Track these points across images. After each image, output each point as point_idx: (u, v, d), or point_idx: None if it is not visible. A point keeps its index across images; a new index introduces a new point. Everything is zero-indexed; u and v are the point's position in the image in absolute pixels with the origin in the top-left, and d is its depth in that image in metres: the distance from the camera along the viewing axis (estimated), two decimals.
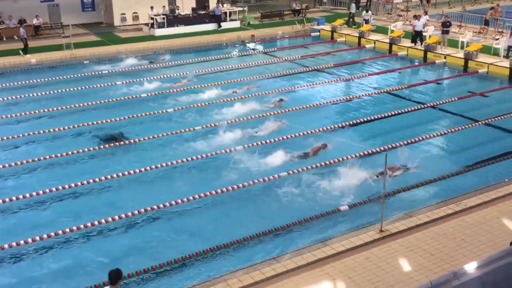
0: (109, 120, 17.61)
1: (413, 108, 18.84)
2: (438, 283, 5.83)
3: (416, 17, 27.37)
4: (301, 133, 16.35)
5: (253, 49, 28.88)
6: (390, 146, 15.44)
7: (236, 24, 33.81)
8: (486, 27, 29.23)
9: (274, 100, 19.62)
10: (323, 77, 23.26)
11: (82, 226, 11.53)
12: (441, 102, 19.50)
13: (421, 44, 26.80)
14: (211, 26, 32.79)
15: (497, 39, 26.27)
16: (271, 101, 19.55)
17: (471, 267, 4.70)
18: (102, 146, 15.71)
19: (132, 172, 13.89)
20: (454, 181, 13.64)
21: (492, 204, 11.96)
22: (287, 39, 31.53)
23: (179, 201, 12.46)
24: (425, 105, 19.26)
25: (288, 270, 9.70)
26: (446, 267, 9.57)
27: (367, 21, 30.83)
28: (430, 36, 27.41)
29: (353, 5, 32.16)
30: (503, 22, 29.89)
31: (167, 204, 12.35)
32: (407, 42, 27.54)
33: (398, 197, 12.88)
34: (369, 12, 31.75)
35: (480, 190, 12.58)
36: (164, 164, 14.29)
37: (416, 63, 26.03)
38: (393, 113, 18.33)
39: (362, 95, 20.47)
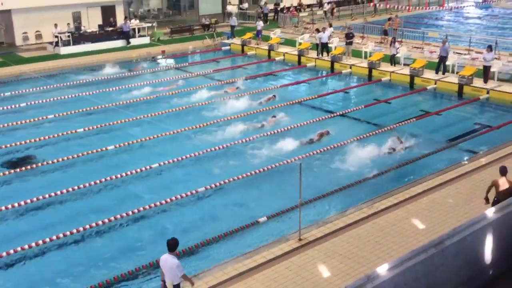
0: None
1: (324, 117, 19.44)
2: (353, 287, 5.98)
3: (319, 30, 28.40)
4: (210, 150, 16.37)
5: (165, 65, 28.56)
6: (307, 154, 15.80)
7: (146, 40, 33.35)
8: (386, 37, 30.83)
9: (267, 96, 21.38)
10: (236, 90, 23.40)
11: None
12: (349, 110, 20.27)
13: (328, 55, 27.80)
14: (119, 43, 32.13)
15: (397, 48, 27.72)
16: (263, 98, 21.19)
17: (383, 269, 4.89)
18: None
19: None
20: (366, 186, 14.20)
21: (401, 206, 12.55)
22: (198, 54, 31.52)
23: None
24: (335, 114, 19.93)
25: (210, 287, 9.60)
26: (363, 270, 9.89)
27: (259, 33, 31.51)
28: (335, 47, 28.51)
29: (260, 22, 32.79)
30: (401, 32, 31.72)
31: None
32: (314, 54, 28.45)
33: (314, 205, 13.21)
34: (261, 22, 32.49)
35: (390, 193, 13.17)
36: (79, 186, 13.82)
37: (324, 74, 26.94)
38: (305, 122, 18.80)
39: (274, 107, 20.80)
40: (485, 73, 22.24)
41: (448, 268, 5.66)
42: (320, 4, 41.40)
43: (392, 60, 25.53)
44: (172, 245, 8.40)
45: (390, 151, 16.30)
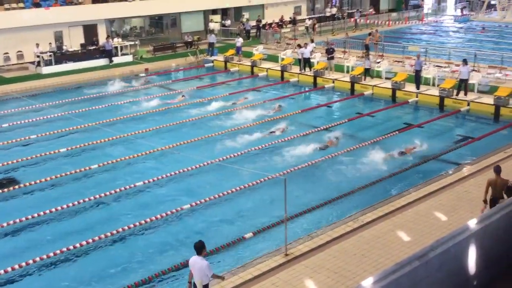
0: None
1: (307, 132, 19.55)
2: None
3: (300, 45, 28.68)
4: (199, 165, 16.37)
5: (148, 83, 28.53)
6: (290, 170, 15.86)
7: (129, 58, 33.37)
8: (367, 51, 31.20)
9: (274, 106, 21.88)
10: (220, 106, 23.48)
11: None
12: (332, 125, 20.41)
13: (310, 70, 28.05)
14: (102, 62, 32.09)
15: (378, 62, 28.15)
16: (271, 107, 21.67)
17: (368, 283, 4.92)
18: None
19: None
20: (351, 199, 14.28)
21: (386, 218, 12.63)
22: (181, 71, 31.57)
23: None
24: (319, 128, 20.05)
25: None
26: (349, 284, 9.91)
27: (239, 49, 31.71)
28: (317, 62, 28.78)
29: (240, 38, 33.01)
30: (382, 46, 32.15)
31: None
32: (297, 69, 28.68)
33: (300, 220, 13.23)
34: (240, 39, 32.75)
35: (375, 206, 13.25)
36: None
37: (307, 89, 27.14)
38: (291, 137, 18.91)
39: (260, 122, 20.87)
40: (460, 86, 22.53)
41: (432, 280, 5.71)
42: (292, 21, 41.73)
43: (367, 73, 25.78)
44: (198, 248, 8.84)
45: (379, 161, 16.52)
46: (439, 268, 5.76)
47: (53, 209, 13.79)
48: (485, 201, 11.57)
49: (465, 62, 22.60)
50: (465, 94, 22.52)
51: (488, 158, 16.05)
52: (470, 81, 23.45)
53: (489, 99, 21.80)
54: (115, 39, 34.06)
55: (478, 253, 6.35)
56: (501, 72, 25.45)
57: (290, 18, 42.61)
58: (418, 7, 54.01)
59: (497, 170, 11.39)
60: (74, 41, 32.75)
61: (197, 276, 8.87)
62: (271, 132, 19.76)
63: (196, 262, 8.85)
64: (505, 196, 11.05)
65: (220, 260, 11.59)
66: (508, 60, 27.51)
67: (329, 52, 27.43)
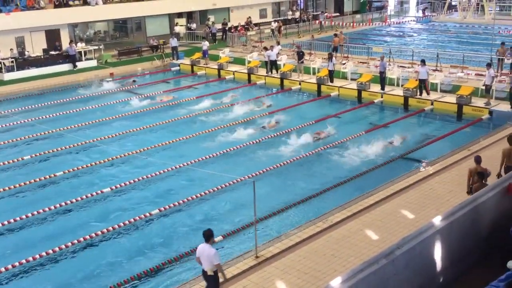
0: None
1: (274, 135, 19.61)
2: None
3: (267, 48, 28.81)
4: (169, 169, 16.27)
5: (113, 87, 28.17)
6: (256, 173, 15.88)
7: (93, 63, 32.89)
8: (331, 53, 31.49)
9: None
10: (187, 110, 23.37)
11: None
12: (300, 126, 20.51)
13: (277, 72, 28.17)
14: (66, 67, 31.55)
15: (343, 64, 28.47)
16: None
17: (336, 283, 4.95)
18: None
19: None
20: (318, 200, 14.38)
21: (355, 218, 12.75)
22: (148, 75, 31.27)
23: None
24: (288, 130, 20.12)
25: None
26: (319, 284, 9.96)
27: (205, 53, 31.67)
28: (284, 64, 28.93)
29: (206, 42, 32.93)
30: (347, 48, 32.53)
31: None
32: (264, 71, 28.77)
33: (269, 222, 13.25)
34: (206, 42, 32.70)
35: (343, 205, 13.36)
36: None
37: (275, 91, 27.22)
38: (257, 140, 18.94)
39: (227, 125, 20.85)
40: (420, 86, 22.95)
41: (400, 277, 5.78)
42: (247, 24, 41.64)
43: (331, 76, 26.01)
44: (207, 235, 9.07)
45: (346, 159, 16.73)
46: (406, 265, 5.85)
47: (18, 218, 13.50)
48: (468, 192, 12.10)
49: (423, 62, 23.07)
50: (428, 94, 22.95)
51: (452, 156, 16.39)
52: (433, 81, 23.95)
53: (451, 98, 22.28)
54: (79, 44, 33.53)
55: (445, 250, 6.47)
56: (463, 71, 26.08)
57: (246, 21, 42.36)
58: (382, 8, 54.89)
59: (478, 160, 12.21)
60: (36, 47, 32.06)
61: (205, 263, 9.09)
62: (262, 127, 20.45)
63: (205, 249, 9.07)
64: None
65: (189, 265, 11.50)
66: (470, 60, 28.22)
67: (299, 56, 27.58)
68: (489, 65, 21.46)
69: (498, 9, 51.67)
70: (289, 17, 45.70)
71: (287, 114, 22.54)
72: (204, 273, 9.30)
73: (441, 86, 23.94)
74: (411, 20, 51.02)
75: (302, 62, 27.70)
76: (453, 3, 53.56)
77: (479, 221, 7.64)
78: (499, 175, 12.84)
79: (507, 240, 7.81)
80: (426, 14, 52.89)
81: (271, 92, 26.87)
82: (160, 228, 13.30)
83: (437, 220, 6.57)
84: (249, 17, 42.03)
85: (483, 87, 21.79)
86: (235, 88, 27.33)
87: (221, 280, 9.50)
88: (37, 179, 15.88)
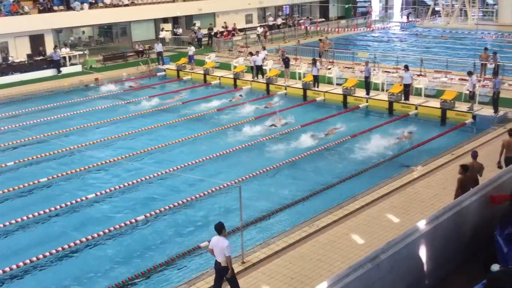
0: None
1: (261, 140, 19.62)
2: None
3: (252, 53, 28.86)
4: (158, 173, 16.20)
5: (98, 93, 28.01)
6: (244, 177, 15.88)
7: (78, 68, 32.69)
8: (321, 58, 31.68)
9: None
10: (172, 115, 23.32)
11: None
12: (287, 132, 20.55)
13: (263, 77, 28.23)
14: (50, 72, 31.35)
15: (329, 69, 28.61)
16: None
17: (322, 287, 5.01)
18: None
19: None
20: (305, 205, 14.41)
21: (341, 222, 12.81)
22: (133, 81, 31.12)
23: None
24: (274, 135, 20.14)
25: None
26: None
27: (191, 58, 31.62)
28: (270, 69, 29.00)
29: (192, 47, 32.90)
30: (332, 53, 32.72)
31: None
32: (250, 76, 28.81)
33: (255, 227, 13.25)
34: (192, 47, 32.71)
35: (329, 210, 13.41)
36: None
37: (261, 96, 27.26)
38: (244, 145, 18.95)
39: (213, 130, 20.83)
40: (406, 91, 23.17)
41: (384, 281, 5.82)
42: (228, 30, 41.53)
43: (316, 81, 26.11)
44: (219, 228, 9.45)
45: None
46: (391, 269, 5.89)
47: (1, 225, 13.34)
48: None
49: (406, 68, 23.29)
50: (407, 99, 23.07)
51: (436, 160, 16.54)
52: (417, 86, 24.17)
53: (435, 103, 22.49)
54: (63, 49, 33.31)
55: (429, 253, 6.52)
56: (447, 76, 26.36)
57: (224, 25, 42.35)
58: (366, 14, 55.33)
59: (474, 155, 12.82)
60: (20, 52, 31.77)
61: (219, 255, 9.42)
62: (271, 125, 21.03)
63: (219, 241, 9.41)
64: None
65: (176, 270, 11.46)
66: (453, 65, 28.53)
67: (286, 62, 27.67)
68: (470, 73, 21.74)
69: (481, 14, 52.37)
70: (270, 23, 45.67)
71: (273, 119, 22.58)
72: (217, 264, 9.58)
73: (425, 91, 24.16)
74: (395, 26, 51.46)
75: (288, 67, 27.79)
76: (437, 9, 54.14)
77: (463, 225, 7.71)
78: (499, 163, 13.86)
79: (490, 244, 7.90)
80: (410, 19, 53.40)
81: (257, 97, 26.86)
82: (143, 235, 13.18)
83: (422, 224, 6.62)
84: (225, 22, 41.96)
85: (467, 92, 22.03)
86: (220, 94, 27.33)
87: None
88: (21, 186, 15.72)
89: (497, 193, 9.96)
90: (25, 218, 13.73)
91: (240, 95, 26.21)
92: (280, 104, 24.62)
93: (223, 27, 41.39)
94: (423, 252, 6.51)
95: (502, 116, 20.06)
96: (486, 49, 27.30)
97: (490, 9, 54.40)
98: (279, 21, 46.84)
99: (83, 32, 37.72)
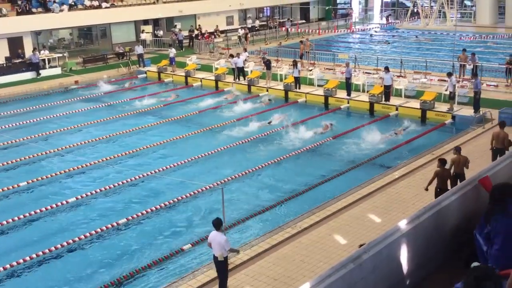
0: None
1: (246, 140, 19.64)
2: None
3: (233, 55, 28.89)
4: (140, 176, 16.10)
5: (79, 95, 27.74)
6: (226, 179, 15.87)
7: (57, 70, 32.35)
8: (300, 60, 31.80)
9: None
10: (154, 118, 23.21)
11: None
12: (268, 133, 20.58)
13: (244, 79, 28.24)
14: (29, 75, 30.98)
15: (310, 70, 28.74)
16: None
17: None
18: None
19: None
20: (287, 206, 14.44)
21: (323, 223, 12.87)
22: (114, 83, 30.89)
23: None
24: (256, 136, 20.16)
25: None
26: None
27: (172, 60, 31.51)
28: (251, 71, 29.03)
29: (173, 49, 32.78)
30: (314, 55, 32.87)
31: None
32: (231, 78, 28.80)
33: (238, 229, 13.24)
34: (173, 49, 32.60)
35: (312, 211, 13.46)
36: None
37: (243, 97, 27.23)
38: (228, 146, 18.93)
39: (194, 133, 20.77)
40: (386, 92, 23.39)
41: (367, 281, 5.85)
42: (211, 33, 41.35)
43: (297, 83, 26.21)
44: (217, 224, 9.82)
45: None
46: (373, 269, 5.92)
47: None
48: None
49: (387, 69, 23.52)
50: (387, 100, 23.29)
51: (416, 161, 16.70)
52: (398, 87, 24.41)
53: (415, 104, 22.73)
54: (42, 52, 32.93)
55: (411, 253, 6.55)
56: (426, 77, 26.67)
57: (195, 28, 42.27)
58: (347, 16, 55.72)
59: (458, 149, 13.39)
60: None
61: (216, 249, 9.73)
62: (269, 122, 21.49)
63: (216, 236, 9.76)
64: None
65: (159, 272, 11.40)
66: (433, 66, 28.86)
67: (267, 65, 27.70)
68: (450, 74, 22.03)
69: (460, 16, 53.10)
70: (249, 26, 45.65)
71: (254, 121, 22.62)
72: (215, 258, 9.92)
73: (405, 91, 24.41)
74: (375, 27, 51.88)
75: (269, 69, 27.87)
76: (416, 10, 54.75)
77: (443, 224, 7.77)
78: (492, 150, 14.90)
79: (471, 242, 7.99)
80: (390, 21, 53.91)
81: (239, 98, 26.86)
82: (124, 238, 13.10)
83: (403, 224, 6.68)
84: (199, 25, 41.85)
85: (446, 93, 22.30)
86: (203, 95, 27.28)
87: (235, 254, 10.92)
88: (0, 190, 15.50)
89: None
90: (4, 222, 13.53)
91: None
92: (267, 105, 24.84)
93: (197, 29, 41.18)
94: (404, 252, 6.54)
95: (480, 116, 20.36)
96: (464, 50, 27.68)
97: (468, 10, 55.19)
98: (257, 23, 46.84)
99: (65, 36, 37.31)
